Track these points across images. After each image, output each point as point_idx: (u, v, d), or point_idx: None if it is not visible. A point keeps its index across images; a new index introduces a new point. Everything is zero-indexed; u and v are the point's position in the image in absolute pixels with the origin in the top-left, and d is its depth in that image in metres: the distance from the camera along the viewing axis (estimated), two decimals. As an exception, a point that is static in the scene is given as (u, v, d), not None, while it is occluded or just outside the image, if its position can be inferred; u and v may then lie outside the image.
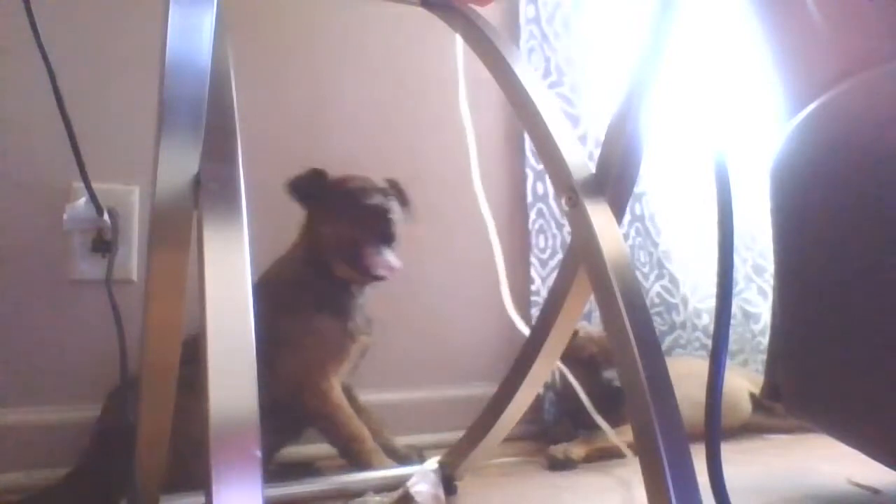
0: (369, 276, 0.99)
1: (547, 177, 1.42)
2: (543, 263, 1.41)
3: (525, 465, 1.07)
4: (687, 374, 1.14)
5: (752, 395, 1.34)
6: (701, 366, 1.29)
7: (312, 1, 1.28)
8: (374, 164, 1.30)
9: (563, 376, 1.17)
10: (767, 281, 1.61)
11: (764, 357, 1.06)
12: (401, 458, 1.01)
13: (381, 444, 1.01)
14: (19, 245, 1.02)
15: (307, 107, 1.25)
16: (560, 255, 1.41)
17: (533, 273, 1.39)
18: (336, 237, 0.99)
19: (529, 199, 1.41)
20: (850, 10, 0.81)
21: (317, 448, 1.06)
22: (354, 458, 0.94)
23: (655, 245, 1.53)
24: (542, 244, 1.41)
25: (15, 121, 1.03)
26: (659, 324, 1.51)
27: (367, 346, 1.05)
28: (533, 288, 1.38)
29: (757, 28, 0.90)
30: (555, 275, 0.82)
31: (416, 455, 1.02)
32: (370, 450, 0.95)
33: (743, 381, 1.35)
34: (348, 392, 1.06)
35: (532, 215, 1.41)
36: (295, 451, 1.09)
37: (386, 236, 0.97)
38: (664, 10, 0.65)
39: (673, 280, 1.53)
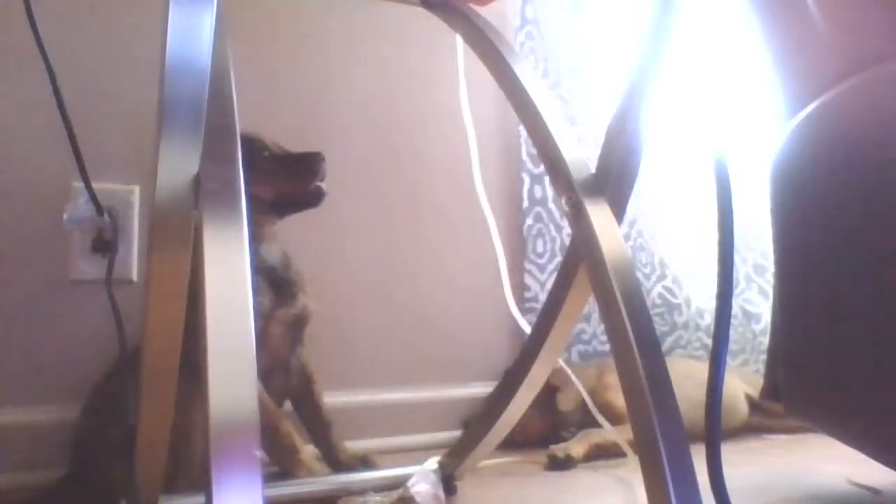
0: (318, 195, 0.97)
1: (545, 180, 1.42)
2: (541, 268, 1.40)
3: (525, 465, 1.07)
4: (685, 374, 1.15)
5: (748, 397, 1.34)
6: (698, 366, 1.30)
7: (312, 1, 1.28)
8: (374, 164, 1.30)
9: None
10: (768, 281, 1.62)
11: (765, 357, 1.06)
12: (341, 465, 0.98)
13: (325, 447, 0.99)
14: (19, 245, 1.02)
15: (307, 107, 1.25)
16: (559, 259, 1.41)
17: (529, 279, 1.39)
18: (273, 188, 0.96)
19: (525, 203, 1.41)
20: (850, 10, 0.81)
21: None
22: (283, 467, 0.91)
23: (657, 246, 1.53)
24: (539, 248, 1.41)
25: (15, 120, 1.03)
26: (660, 324, 1.51)
27: (300, 316, 0.98)
28: (528, 295, 1.38)
29: (757, 28, 0.90)
30: (553, 279, 0.82)
31: (359, 463, 0.99)
32: (298, 461, 0.90)
33: (739, 383, 1.35)
34: (307, 386, 1.00)
35: (529, 220, 1.41)
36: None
37: (320, 174, 0.97)
38: (664, 10, 0.65)
39: (675, 281, 1.53)
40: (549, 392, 1.20)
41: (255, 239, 0.93)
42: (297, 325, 0.98)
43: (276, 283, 0.96)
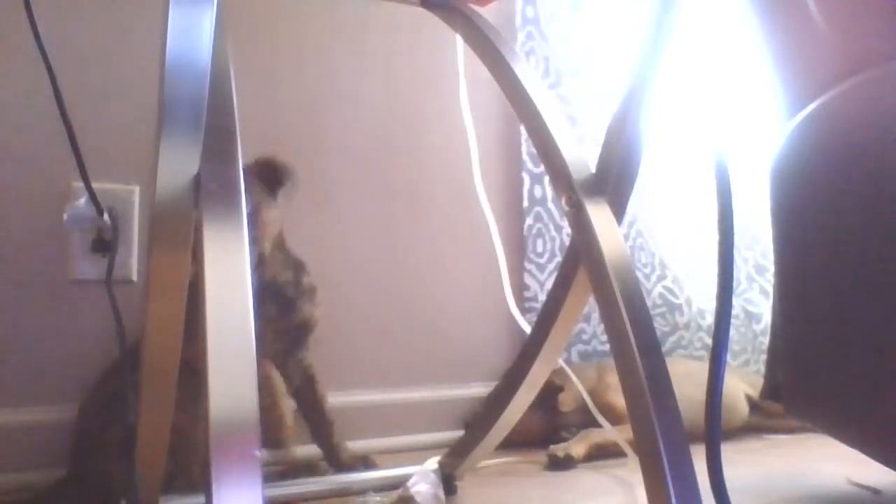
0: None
1: (545, 180, 1.42)
2: (541, 268, 1.40)
3: (525, 465, 1.07)
4: (683, 374, 1.15)
5: (748, 397, 1.34)
6: (697, 366, 1.30)
7: (312, 1, 1.28)
8: (374, 164, 1.30)
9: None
10: (769, 281, 1.62)
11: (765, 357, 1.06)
12: (342, 465, 0.98)
13: (326, 446, 0.99)
14: (19, 245, 1.02)
15: (307, 107, 1.25)
16: (559, 259, 1.41)
17: (528, 279, 1.39)
18: None
19: (526, 203, 1.41)
20: (850, 11, 0.81)
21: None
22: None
23: (657, 246, 1.53)
24: (539, 248, 1.41)
25: (15, 121, 1.03)
26: (661, 325, 1.51)
27: (302, 324, 0.99)
28: (528, 294, 1.38)
29: (757, 28, 0.90)
30: (553, 279, 0.82)
31: (360, 463, 0.99)
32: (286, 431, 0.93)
33: (739, 383, 1.34)
34: (309, 386, 1.01)
35: (529, 220, 1.41)
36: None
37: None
38: (664, 10, 0.65)
39: (676, 281, 1.53)
40: (552, 392, 1.20)
41: (257, 243, 0.92)
42: (301, 330, 0.99)
43: (283, 300, 0.96)
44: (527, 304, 1.37)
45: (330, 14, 1.29)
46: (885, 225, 0.68)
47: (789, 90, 0.87)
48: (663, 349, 0.75)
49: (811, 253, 0.77)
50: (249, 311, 0.42)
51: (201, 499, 0.37)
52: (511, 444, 0.99)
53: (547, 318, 0.75)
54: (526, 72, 0.72)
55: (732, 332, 1.57)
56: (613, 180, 0.67)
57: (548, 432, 1.21)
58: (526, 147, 1.41)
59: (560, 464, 1.04)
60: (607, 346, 1.38)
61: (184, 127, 0.47)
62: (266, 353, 0.96)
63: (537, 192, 1.42)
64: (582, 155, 0.66)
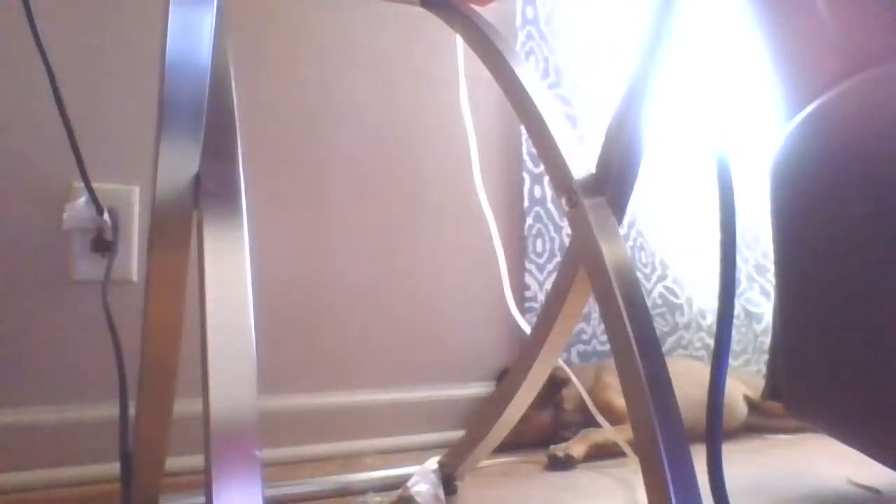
0: None
1: (545, 180, 1.42)
2: (541, 268, 1.40)
3: (525, 465, 1.07)
4: (681, 372, 1.15)
5: (747, 398, 1.33)
6: (696, 365, 1.30)
7: (312, 1, 1.28)
8: (374, 164, 1.30)
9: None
10: (770, 281, 1.62)
11: (766, 357, 1.06)
12: None
13: None
14: (19, 245, 1.02)
15: (307, 107, 1.25)
16: (558, 259, 1.41)
17: (529, 279, 1.39)
18: None
19: (526, 203, 1.41)
20: (850, 10, 0.81)
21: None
22: None
23: (657, 246, 1.53)
24: (539, 248, 1.41)
25: (15, 121, 1.03)
26: (661, 325, 1.51)
27: None
28: (528, 294, 1.38)
29: (758, 27, 0.90)
30: (553, 279, 0.82)
31: None
32: None
33: (738, 385, 1.34)
34: None
35: (529, 220, 1.41)
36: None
37: None
38: (664, 10, 0.65)
39: (676, 281, 1.53)
40: (557, 385, 1.20)
41: None
42: None
43: None
44: (527, 304, 1.37)
45: (330, 14, 1.29)
46: (885, 225, 0.68)
47: (789, 90, 0.87)
48: (663, 349, 0.75)
49: (811, 253, 0.77)
50: (249, 310, 0.42)
51: (201, 499, 0.38)
52: (519, 442, 0.99)
53: (547, 318, 0.75)
54: (526, 72, 0.72)
55: (733, 331, 1.57)
56: (613, 180, 0.67)
57: (555, 427, 1.21)
58: (526, 147, 1.41)
59: (560, 464, 1.04)
60: (607, 346, 1.38)
61: (184, 127, 0.47)
62: None
63: (537, 192, 1.42)
64: (582, 155, 0.66)
